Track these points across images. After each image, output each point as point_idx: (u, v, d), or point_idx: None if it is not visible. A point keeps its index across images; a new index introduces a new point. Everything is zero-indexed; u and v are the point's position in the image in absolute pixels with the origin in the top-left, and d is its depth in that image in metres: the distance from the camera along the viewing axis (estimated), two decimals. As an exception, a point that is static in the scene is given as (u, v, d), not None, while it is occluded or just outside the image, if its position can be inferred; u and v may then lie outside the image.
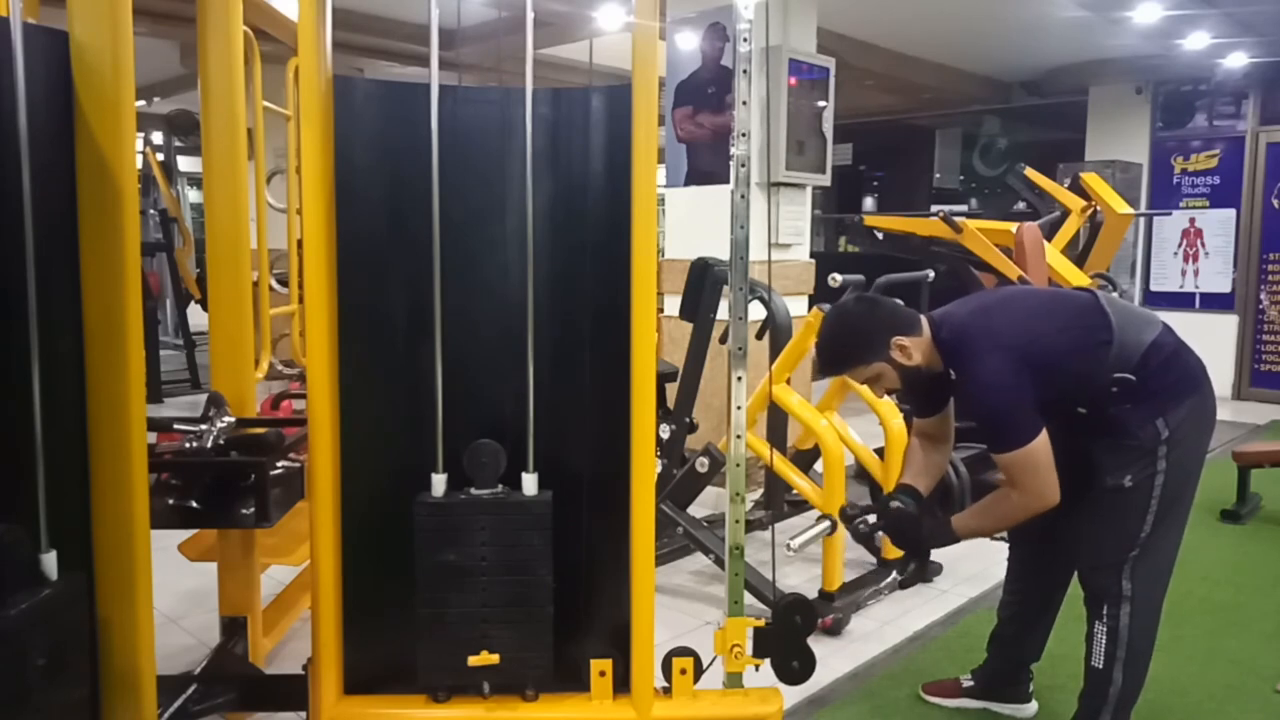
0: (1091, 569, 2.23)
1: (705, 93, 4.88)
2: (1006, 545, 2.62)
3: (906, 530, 2.32)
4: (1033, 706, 2.58)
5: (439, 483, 2.02)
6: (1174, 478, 2.11)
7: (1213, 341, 7.82)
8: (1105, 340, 2.12)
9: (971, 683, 2.62)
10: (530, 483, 2.03)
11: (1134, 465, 2.11)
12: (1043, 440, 2.06)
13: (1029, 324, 2.19)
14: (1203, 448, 2.19)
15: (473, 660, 1.98)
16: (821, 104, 4.88)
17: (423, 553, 1.99)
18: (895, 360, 2.20)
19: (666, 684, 2.10)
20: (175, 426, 2.22)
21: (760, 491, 4.15)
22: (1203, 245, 7.87)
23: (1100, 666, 2.19)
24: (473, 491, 2.01)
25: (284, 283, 5.05)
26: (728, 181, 2.08)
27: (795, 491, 3.49)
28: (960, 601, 3.37)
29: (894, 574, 3.37)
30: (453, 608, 2.00)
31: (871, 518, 2.41)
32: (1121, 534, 2.15)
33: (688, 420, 3.51)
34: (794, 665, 2.11)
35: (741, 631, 2.09)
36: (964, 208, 9.78)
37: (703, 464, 3.31)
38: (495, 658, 1.99)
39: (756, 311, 3.23)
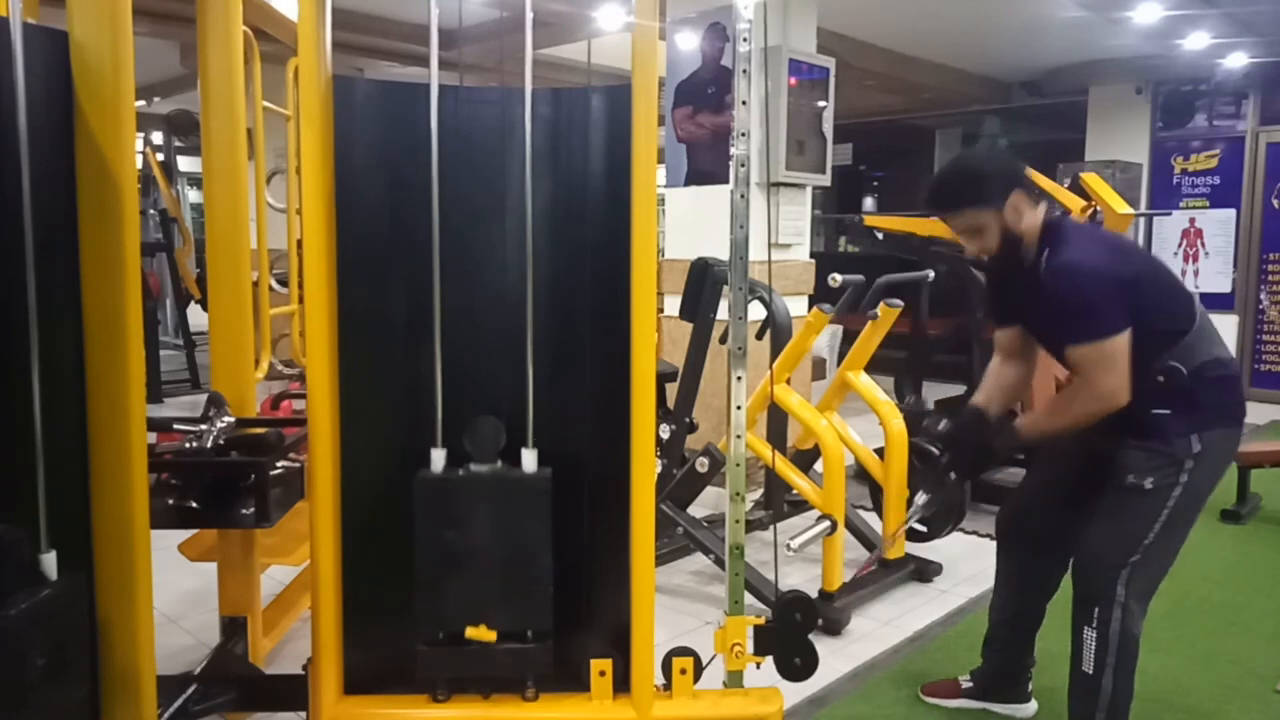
0: (1091, 568, 2.22)
1: (705, 93, 4.88)
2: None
3: (969, 438, 2.28)
4: (1032, 706, 2.58)
5: (438, 458, 2.02)
6: (1190, 494, 2.12)
7: (1213, 341, 7.83)
8: (1183, 330, 2.13)
9: (970, 684, 2.61)
10: (529, 459, 2.03)
11: (1159, 471, 2.12)
12: (1125, 339, 2.05)
13: (1137, 265, 2.19)
14: (1218, 478, 2.21)
15: (470, 632, 1.98)
16: (821, 104, 4.88)
17: (422, 529, 1.99)
18: (1005, 217, 2.17)
19: (666, 683, 2.10)
20: (175, 426, 2.22)
21: (760, 491, 4.15)
22: (1203, 245, 7.86)
23: (1090, 672, 2.19)
24: (472, 468, 2.01)
25: (284, 283, 5.05)
26: (728, 181, 2.09)
27: (795, 491, 3.49)
28: (960, 601, 3.37)
29: (921, 499, 2.79)
30: (451, 584, 2.00)
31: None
32: (1128, 535, 2.15)
33: (688, 420, 3.51)
34: (796, 662, 2.11)
35: (742, 630, 2.09)
36: (964, 208, 9.77)
37: (703, 464, 3.31)
38: (493, 635, 1.99)
39: (756, 311, 3.23)
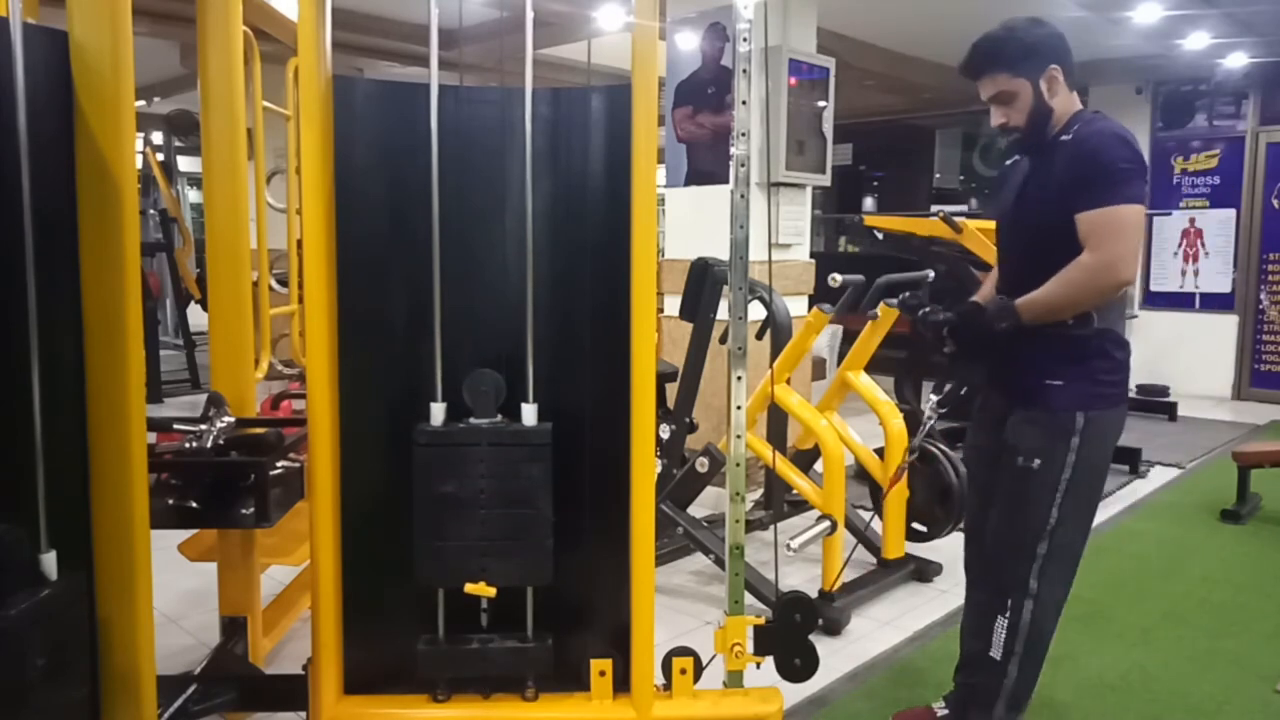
0: (1001, 558, 2.20)
1: (705, 93, 4.88)
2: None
3: (971, 319, 2.19)
4: None
5: (438, 411, 2.02)
6: (1081, 473, 2.09)
7: (1213, 341, 7.82)
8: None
9: (946, 711, 2.50)
10: (529, 413, 2.03)
11: (1046, 448, 2.10)
12: (1140, 213, 1.98)
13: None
14: (1108, 458, 2.19)
15: (469, 588, 1.98)
16: (821, 104, 4.88)
17: (421, 483, 1.99)
18: (1040, 87, 2.10)
19: (666, 683, 2.10)
20: (175, 426, 2.22)
21: (760, 491, 4.15)
22: (1203, 245, 7.86)
23: (998, 658, 2.18)
24: (471, 420, 2.02)
25: (284, 283, 5.05)
26: (728, 181, 2.09)
27: (795, 491, 3.49)
28: (960, 601, 3.35)
29: (933, 398, 2.63)
30: (450, 540, 2.00)
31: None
32: (1029, 520, 2.13)
33: (688, 420, 3.51)
34: (796, 663, 2.11)
35: (742, 630, 2.09)
36: (964, 208, 9.78)
37: (703, 464, 3.31)
38: (492, 590, 1.99)
39: (756, 311, 3.23)
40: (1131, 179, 2.00)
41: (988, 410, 2.31)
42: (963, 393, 2.37)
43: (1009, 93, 2.13)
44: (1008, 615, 2.17)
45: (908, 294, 2.44)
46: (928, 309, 2.26)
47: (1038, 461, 2.11)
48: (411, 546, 2.01)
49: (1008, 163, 2.34)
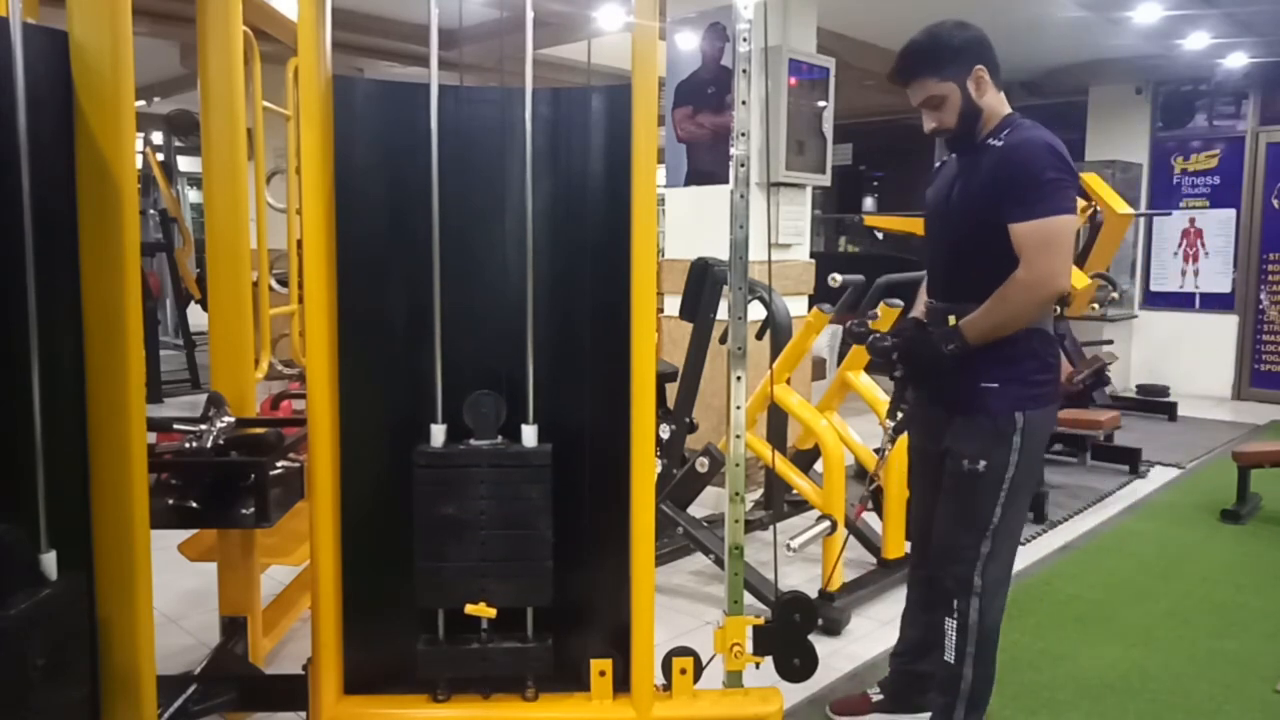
0: (946, 559, 2.21)
1: (705, 93, 4.88)
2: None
3: (919, 344, 2.20)
4: None
5: (438, 433, 2.02)
6: (1022, 471, 2.13)
7: (1213, 341, 7.83)
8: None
9: (881, 695, 2.55)
10: (530, 434, 2.03)
11: (990, 450, 2.12)
12: (1070, 224, 2.00)
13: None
14: (1043, 451, 2.24)
15: (470, 609, 1.99)
16: (821, 104, 4.87)
17: (421, 504, 1.99)
18: (968, 88, 2.13)
19: (666, 683, 2.10)
20: (175, 426, 2.22)
21: (760, 491, 4.15)
22: (1203, 245, 7.87)
23: (952, 661, 2.19)
24: (472, 442, 2.02)
25: (284, 283, 5.05)
26: (728, 181, 2.09)
27: (795, 491, 3.49)
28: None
29: (890, 422, 2.51)
30: (451, 561, 2.00)
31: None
32: (975, 521, 2.15)
33: (688, 420, 3.51)
34: (795, 663, 2.11)
35: (741, 630, 2.09)
36: (964, 208, 9.76)
37: (703, 464, 3.31)
38: (492, 611, 2.00)
39: (756, 311, 3.23)
40: (1061, 189, 2.02)
41: (926, 413, 2.31)
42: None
43: (938, 96, 2.16)
44: (955, 617, 2.18)
45: (855, 321, 2.48)
46: (875, 334, 2.30)
47: (983, 464, 2.13)
48: (411, 548, 2.01)
49: (938, 163, 2.35)
